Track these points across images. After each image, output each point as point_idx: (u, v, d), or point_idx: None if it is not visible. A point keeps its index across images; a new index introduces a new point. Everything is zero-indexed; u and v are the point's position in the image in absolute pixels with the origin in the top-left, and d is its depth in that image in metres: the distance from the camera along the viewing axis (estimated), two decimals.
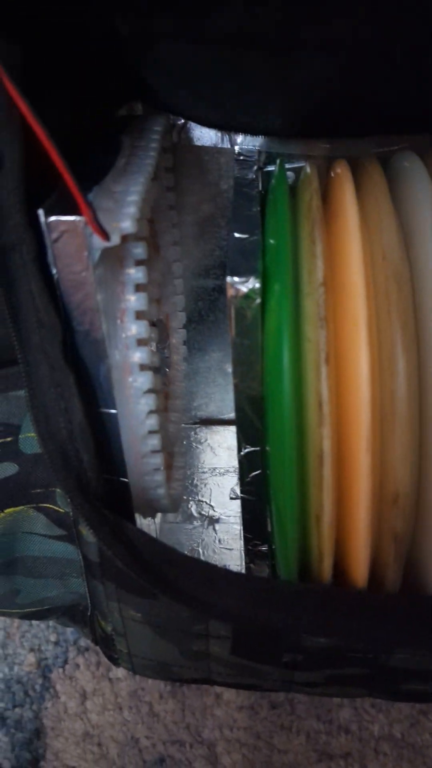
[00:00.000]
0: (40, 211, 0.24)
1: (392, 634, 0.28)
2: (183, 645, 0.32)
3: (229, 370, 0.47)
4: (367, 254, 0.27)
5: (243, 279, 0.27)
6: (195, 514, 0.44)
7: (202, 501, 0.44)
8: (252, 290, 0.27)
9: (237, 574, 0.28)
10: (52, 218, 0.24)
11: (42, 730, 0.39)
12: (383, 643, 0.29)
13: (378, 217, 0.27)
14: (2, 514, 0.31)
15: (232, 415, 0.50)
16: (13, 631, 0.42)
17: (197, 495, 0.45)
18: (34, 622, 0.43)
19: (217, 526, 0.43)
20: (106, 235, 0.24)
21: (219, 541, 0.42)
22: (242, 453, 0.31)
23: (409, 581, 0.30)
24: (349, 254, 0.26)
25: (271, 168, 0.38)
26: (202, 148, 0.39)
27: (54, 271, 0.25)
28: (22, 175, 0.23)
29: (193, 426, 0.48)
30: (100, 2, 0.25)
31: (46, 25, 0.24)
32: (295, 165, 0.38)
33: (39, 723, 0.39)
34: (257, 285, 0.27)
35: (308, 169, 0.32)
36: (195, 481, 0.45)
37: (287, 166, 0.38)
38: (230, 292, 0.27)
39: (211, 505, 0.44)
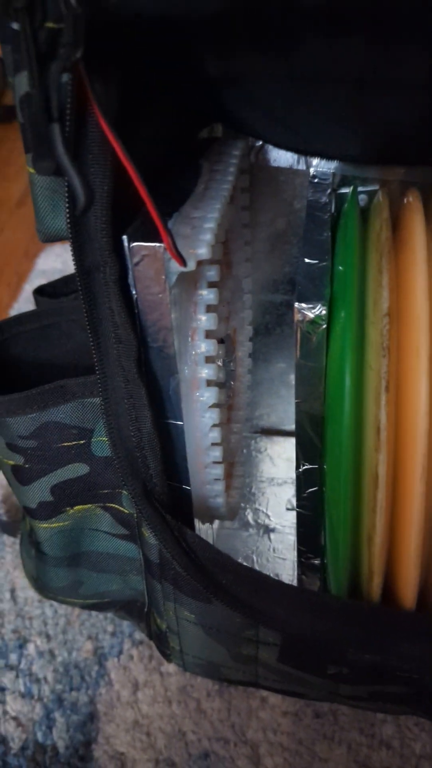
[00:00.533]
0: (125, 237, 0.26)
1: None
2: (233, 648, 0.33)
3: (292, 382, 0.49)
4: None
5: (310, 305, 0.28)
6: (251, 522, 0.45)
7: (259, 510, 0.46)
8: (318, 316, 0.28)
9: (289, 586, 0.30)
10: (135, 244, 0.26)
11: (95, 714, 0.41)
12: (428, 665, 0.29)
13: None
14: (72, 511, 0.34)
15: (292, 426, 0.51)
16: (74, 618, 0.45)
17: (254, 503, 0.46)
18: (93, 612, 0.45)
19: (272, 536, 0.44)
20: (183, 261, 0.26)
21: (273, 550, 0.43)
22: (300, 469, 0.32)
23: None
24: (415, 286, 0.27)
25: (345, 190, 0.39)
26: (278, 169, 0.40)
27: (134, 291, 0.27)
28: (110, 205, 0.24)
29: (254, 435, 0.50)
30: (192, 47, 0.27)
31: (141, 68, 0.26)
32: (369, 188, 0.39)
33: (93, 707, 0.41)
34: (324, 311, 0.28)
35: (380, 197, 0.32)
36: (253, 490, 0.47)
37: (361, 189, 0.39)
38: (297, 316, 0.28)
39: (267, 515, 0.45)
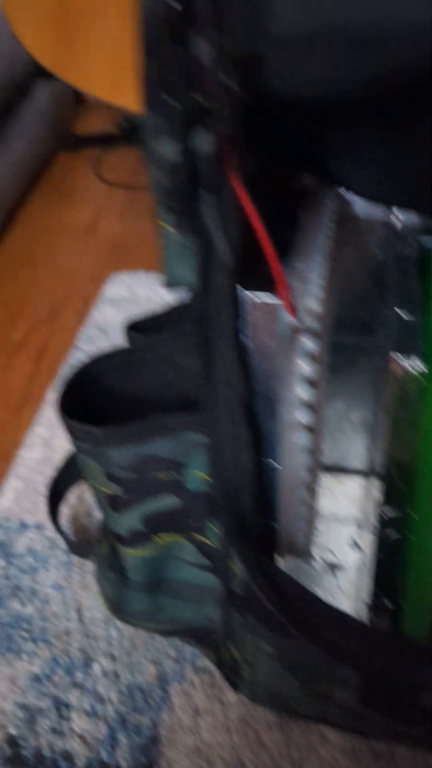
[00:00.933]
0: (243, 288, 0.27)
1: None
2: (307, 684, 0.34)
3: (355, 420, 0.50)
4: None
5: (409, 358, 0.29)
6: (316, 558, 0.46)
7: (324, 546, 0.47)
8: (416, 370, 0.29)
9: (371, 627, 0.31)
10: (253, 296, 0.27)
11: (158, 738, 0.42)
12: None
13: None
14: (159, 540, 0.35)
15: (354, 464, 0.52)
16: (138, 641, 0.46)
17: (318, 539, 0.47)
18: (156, 636, 0.46)
19: (337, 573, 0.45)
20: (296, 314, 0.27)
21: (338, 587, 0.44)
22: (383, 513, 0.33)
23: None
24: None
25: (426, 241, 0.41)
26: (363, 219, 0.42)
27: (246, 339, 0.29)
28: (238, 259, 0.26)
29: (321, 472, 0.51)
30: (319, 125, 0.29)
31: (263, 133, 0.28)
32: None
33: (155, 731, 0.42)
34: (421, 366, 0.29)
35: None
36: (319, 527, 0.48)
37: None
38: (394, 367, 0.29)
39: (331, 551, 0.46)
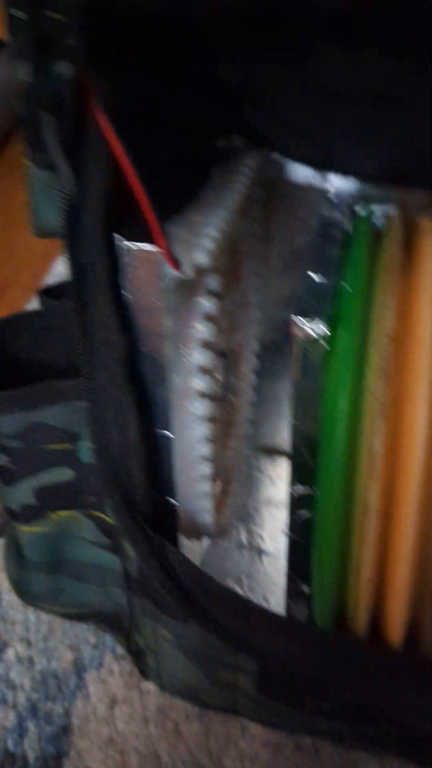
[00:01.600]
0: (119, 237, 0.25)
1: (422, 700, 0.27)
2: (211, 672, 0.32)
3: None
4: None
5: (311, 321, 0.27)
6: (245, 542, 0.44)
7: (254, 530, 0.44)
8: (319, 334, 0.27)
9: (271, 613, 0.28)
10: (128, 243, 0.25)
11: (70, 727, 0.40)
12: (412, 708, 0.28)
13: None
14: (55, 516, 0.33)
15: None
16: (57, 626, 0.44)
17: (250, 523, 0.45)
18: (75, 622, 0.44)
19: (264, 558, 0.43)
20: (180, 267, 0.25)
21: (265, 573, 0.42)
22: (294, 492, 0.31)
23: None
24: (420, 310, 0.26)
25: (368, 206, 0.38)
26: (296, 184, 0.39)
27: (127, 293, 0.26)
28: (106, 204, 0.24)
29: (256, 454, 0.49)
30: (204, 53, 0.26)
31: (148, 68, 0.25)
32: (386, 207, 0.38)
33: (68, 720, 0.40)
34: (323, 329, 0.27)
35: (394, 219, 0.31)
36: (249, 510, 0.45)
37: (380, 207, 0.38)
38: (296, 331, 0.27)
39: (261, 536, 0.44)
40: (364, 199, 0.38)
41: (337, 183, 0.38)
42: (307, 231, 0.41)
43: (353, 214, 0.38)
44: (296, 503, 0.31)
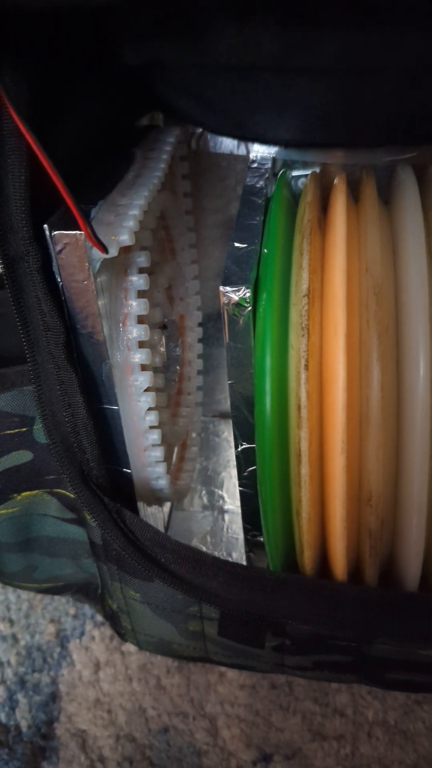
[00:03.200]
0: (45, 226, 0.26)
1: (368, 624, 0.30)
2: (179, 625, 0.34)
3: None
4: (354, 266, 0.28)
5: (235, 288, 0.29)
6: (207, 503, 0.46)
7: (215, 491, 0.47)
8: (243, 299, 0.28)
9: (224, 561, 0.30)
10: (56, 232, 0.26)
11: (57, 694, 0.42)
12: (360, 632, 0.30)
13: (365, 229, 0.29)
14: (19, 497, 0.34)
15: None
16: (36, 603, 0.46)
17: (211, 485, 0.47)
18: (55, 596, 0.46)
19: (226, 516, 0.45)
20: (104, 248, 0.26)
21: (227, 530, 0.44)
22: (239, 449, 0.33)
23: (389, 578, 0.32)
24: (333, 267, 0.28)
25: (287, 171, 0.40)
26: (219, 155, 0.41)
27: (59, 279, 0.27)
28: (28, 195, 0.25)
29: (212, 419, 0.51)
30: (101, 34, 0.27)
31: (54, 55, 0.26)
32: (308, 171, 0.40)
33: (55, 688, 0.42)
34: (248, 294, 0.28)
35: (308, 179, 0.33)
36: (209, 473, 0.47)
37: (302, 172, 0.39)
38: (223, 299, 0.29)
39: (222, 496, 0.46)
40: (287, 164, 0.39)
41: (259, 149, 0.39)
42: (235, 199, 0.43)
43: (275, 180, 0.39)
44: (242, 458, 0.33)
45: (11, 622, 0.45)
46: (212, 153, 0.40)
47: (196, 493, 0.46)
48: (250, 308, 0.29)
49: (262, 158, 0.39)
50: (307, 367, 0.27)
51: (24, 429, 0.33)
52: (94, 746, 0.40)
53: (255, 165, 0.38)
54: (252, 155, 0.39)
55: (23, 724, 0.41)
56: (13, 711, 0.42)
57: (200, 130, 0.40)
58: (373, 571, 0.30)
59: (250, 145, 0.41)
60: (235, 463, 0.49)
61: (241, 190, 0.43)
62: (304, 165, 0.39)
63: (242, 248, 0.31)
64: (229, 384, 0.31)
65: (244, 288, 0.28)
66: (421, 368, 0.26)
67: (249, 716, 0.42)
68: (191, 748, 0.41)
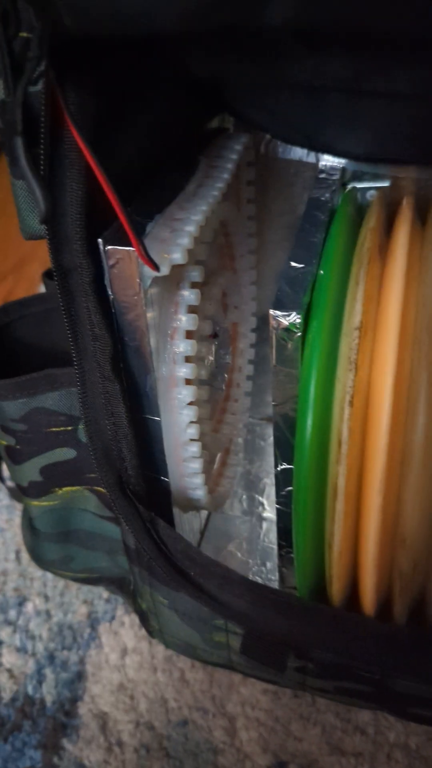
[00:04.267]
0: (100, 240, 0.26)
1: (390, 662, 0.30)
2: (205, 634, 0.35)
3: None
4: (411, 300, 0.27)
5: (285, 312, 0.28)
6: (246, 508, 0.46)
7: (256, 497, 0.47)
8: (293, 324, 0.28)
9: (253, 582, 0.31)
10: (109, 247, 0.26)
11: (84, 674, 0.44)
12: (382, 669, 0.30)
13: (425, 261, 0.28)
14: (60, 491, 0.35)
15: None
16: (72, 583, 0.48)
17: (252, 491, 0.47)
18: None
19: (264, 524, 0.45)
20: (156, 266, 0.26)
21: (264, 538, 0.44)
22: (278, 468, 0.32)
23: (420, 616, 0.31)
24: (388, 300, 0.27)
25: (354, 185, 0.38)
26: (288, 161, 0.40)
27: (110, 292, 0.28)
28: (84, 210, 0.25)
29: (259, 422, 0.50)
30: (168, 47, 0.27)
31: (118, 69, 0.26)
32: (380, 184, 0.38)
33: (82, 667, 0.44)
34: (298, 320, 0.28)
35: (372, 202, 0.32)
36: (251, 477, 0.47)
37: (372, 184, 0.38)
38: (272, 323, 0.28)
39: (261, 503, 0.46)
40: (357, 174, 0.38)
41: (329, 158, 0.38)
42: (302, 204, 0.42)
43: (342, 193, 0.38)
44: (281, 478, 0.33)
45: (46, 598, 0.47)
46: (280, 159, 0.39)
47: (237, 497, 0.46)
48: (299, 334, 0.28)
49: (331, 168, 0.37)
50: (351, 403, 0.26)
51: (69, 428, 0.33)
52: (114, 729, 0.42)
53: (323, 176, 0.37)
54: (321, 164, 0.38)
55: (48, 699, 0.43)
56: (40, 685, 0.43)
57: (269, 135, 0.39)
58: (402, 609, 0.29)
59: (319, 153, 0.39)
60: None
61: (307, 196, 0.42)
62: (374, 177, 0.38)
63: (298, 269, 0.30)
64: (273, 405, 0.31)
65: (294, 314, 0.28)
66: None
67: (269, 721, 0.42)
68: (208, 745, 0.41)
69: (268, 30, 0.20)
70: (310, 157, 0.39)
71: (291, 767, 0.41)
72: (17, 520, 0.51)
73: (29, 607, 0.47)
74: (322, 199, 0.35)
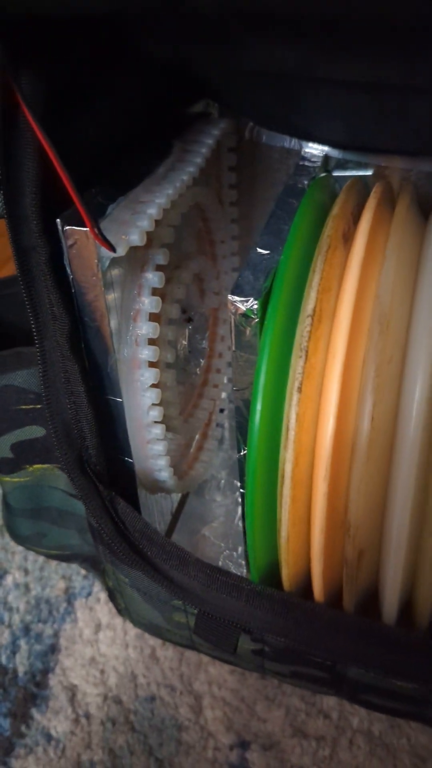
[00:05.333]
0: (58, 221, 0.27)
1: (337, 648, 0.30)
2: (165, 614, 0.36)
3: None
4: (369, 289, 0.27)
5: (243, 298, 0.28)
6: (224, 492, 0.46)
7: (235, 482, 0.47)
8: (249, 310, 0.28)
9: (207, 564, 0.31)
10: (67, 228, 0.27)
11: (57, 647, 0.45)
12: (329, 654, 0.30)
13: (384, 250, 0.27)
14: (30, 468, 0.36)
15: None
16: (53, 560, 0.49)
17: (233, 475, 0.47)
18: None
19: (239, 508, 0.45)
20: (112, 247, 0.26)
21: (238, 522, 0.45)
22: (241, 454, 0.33)
23: (374, 605, 0.31)
24: (344, 289, 0.27)
25: (340, 173, 0.38)
26: (272, 147, 0.39)
27: (69, 272, 0.28)
28: (40, 189, 0.26)
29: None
30: (123, 31, 0.27)
31: (76, 50, 0.26)
32: (362, 173, 0.38)
33: (56, 640, 0.45)
34: (255, 306, 0.28)
35: (342, 190, 0.31)
36: (233, 462, 0.48)
37: (356, 173, 0.38)
38: (230, 308, 0.28)
39: (239, 487, 0.46)
40: (340, 162, 0.38)
41: (313, 146, 0.38)
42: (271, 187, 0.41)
43: (331, 176, 0.38)
44: (243, 461, 0.33)
45: (26, 571, 0.48)
46: (264, 145, 0.39)
47: (215, 481, 0.47)
48: (256, 320, 0.28)
49: (313, 155, 0.37)
50: (300, 389, 0.26)
51: (38, 406, 0.34)
52: (83, 702, 0.43)
53: (304, 163, 0.37)
54: (304, 151, 0.38)
55: (20, 670, 0.44)
56: (13, 655, 0.45)
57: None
58: (350, 598, 0.29)
59: (301, 140, 0.39)
60: None
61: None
62: (358, 166, 0.37)
63: (264, 255, 0.30)
64: (233, 390, 0.31)
65: (252, 299, 0.28)
66: (414, 405, 0.25)
67: (234, 701, 0.43)
68: (173, 721, 0.42)
69: (196, 12, 0.20)
70: (294, 144, 0.39)
71: (253, 747, 0.41)
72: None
73: (9, 579, 0.48)
74: (299, 186, 0.35)
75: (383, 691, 0.33)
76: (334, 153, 0.37)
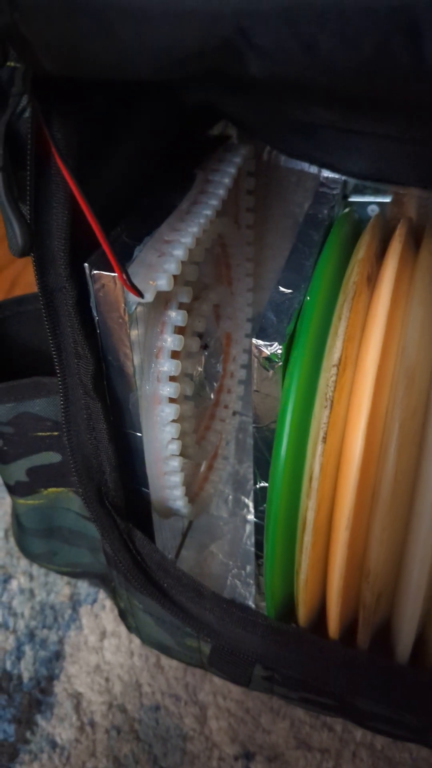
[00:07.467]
0: (86, 265, 0.27)
1: (349, 684, 0.31)
2: (177, 638, 0.36)
3: None
4: (394, 340, 0.27)
5: (267, 342, 0.28)
6: (232, 509, 0.47)
7: (242, 499, 0.47)
8: (274, 354, 0.28)
9: (222, 598, 0.32)
10: (95, 272, 0.26)
11: (62, 653, 0.46)
12: (341, 689, 0.31)
13: (408, 295, 0.27)
14: (46, 492, 0.36)
15: None
16: None
17: (239, 491, 0.48)
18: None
19: (247, 527, 0.46)
20: (140, 294, 0.26)
21: (246, 540, 0.45)
22: (257, 486, 0.33)
23: (385, 642, 0.32)
24: (369, 339, 0.27)
25: (357, 198, 0.38)
26: (290, 170, 0.39)
27: (95, 314, 0.28)
28: (68, 233, 0.25)
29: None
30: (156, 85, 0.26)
31: (106, 98, 0.26)
32: (381, 200, 0.38)
33: (60, 647, 0.46)
34: (280, 350, 0.28)
35: (365, 230, 0.31)
36: (239, 477, 0.48)
37: (373, 199, 0.37)
38: (254, 350, 0.28)
39: (247, 505, 0.47)
40: (358, 188, 0.37)
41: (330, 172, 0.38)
42: (302, 215, 0.41)
43: (347, 206, 0.38)
44: (259, 495, 0.33)
45: (31, 577, 0.49)
46: (283, 168, 0.39)
47: (223, 497, 0.47)
48: (280, 364, 0.28)
49: (332, 180, 0.37)
50: (325, 439, 0.27)
51: (55, 433, 0.34)
52: (87, 709, 0.44)
53: (323, 189, 0.37)
54: (323, 176, 0.37)
55: (25, 676, 0.45)
56: (18, 661, 0.45)
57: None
58: (365, 637, 0.30)
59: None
60: None
61: (307, 205, 0.41)
62: (376, 192, 0.37)
63: (286, 294, 0.30)
64: (252, 426, 0.31)
65: (276, 344, 0.28)
66: None
67: (239, 712, 0.44)
68: (178, 731, 0.43)
69: (251, 78, 0.19)
70: (313, 169, 0.39)
71: (257, 758, 0.43)
72: (7, 499, 0.52)
73: (14, 584, 0.48)
74: (319, 216, 0.35)
75: (391, 720, 0.34)
76: (353, 179, 0.37)
